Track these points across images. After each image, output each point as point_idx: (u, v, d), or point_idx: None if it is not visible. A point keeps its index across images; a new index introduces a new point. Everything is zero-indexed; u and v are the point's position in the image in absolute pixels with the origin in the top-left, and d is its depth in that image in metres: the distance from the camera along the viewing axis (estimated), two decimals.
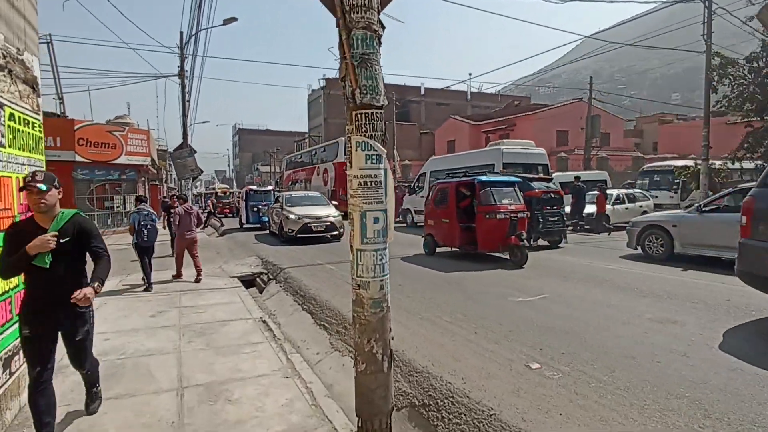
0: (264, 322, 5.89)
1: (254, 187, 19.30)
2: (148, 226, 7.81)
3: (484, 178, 8.31)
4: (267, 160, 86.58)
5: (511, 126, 37.46)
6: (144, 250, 7.88)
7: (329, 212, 13.90)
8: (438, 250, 9.90)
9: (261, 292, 8.88)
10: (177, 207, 9.08)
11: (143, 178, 24.49)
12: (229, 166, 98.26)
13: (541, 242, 10.94)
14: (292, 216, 13.46)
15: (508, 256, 8.45)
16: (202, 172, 17.91)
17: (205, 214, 28.24)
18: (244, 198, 18.76)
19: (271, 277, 9.07)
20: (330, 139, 34.52)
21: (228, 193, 30.96)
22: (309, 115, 55.09)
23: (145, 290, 7.79)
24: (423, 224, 17.27)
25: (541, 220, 10.40)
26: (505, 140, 13.36)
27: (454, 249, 9.58)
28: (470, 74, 67.83)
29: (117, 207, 19.47)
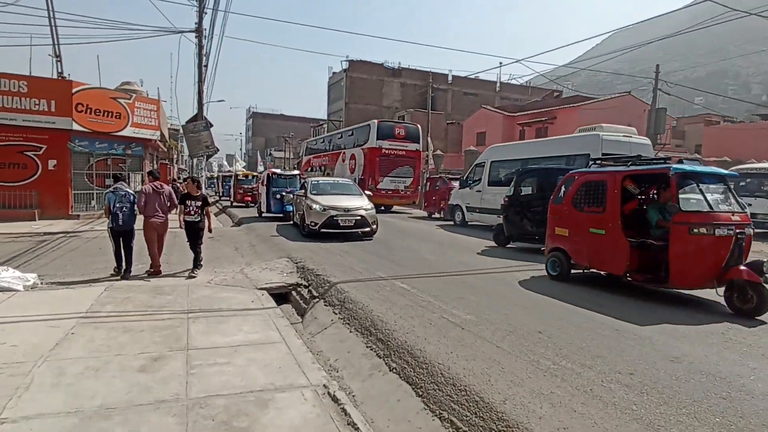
0: (335, 400, 3.33)
1: (278, 171, 16.74)
2: (124, 209, 7.05)
3: (684, 166, 5.36)
4: (281, 145, 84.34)
5: (551, 119, 34.51)
6: (120, 235, 7.08)
7: (361, 204, 11.45)
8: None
9: (301, 314, 6.33)
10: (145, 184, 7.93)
11: (152, 155, 22.06)
12: (241, 149, 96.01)
13: None
14: (316, 206, 11.00)
15: (723, 298, 5.28)
16: (217, 150, 15.36)
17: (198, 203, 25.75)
18: (265, 183, 16.22)
19: (315, 294, 6.50)
20: (351, 124, 31.78)
21: (251, 177, 24.81)
22: (329, 99, 52.34)
23: (122, 279, 7.00)
24: (479, 223, 14.78)
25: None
26: (603, 125, 10.73)
27: (591, 270, 6.74)
28: (501, 63, 64.41)
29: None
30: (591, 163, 7.48)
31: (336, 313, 5.51)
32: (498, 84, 54.23)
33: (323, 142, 29.56)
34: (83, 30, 48.46)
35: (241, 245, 10.70)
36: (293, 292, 7.12)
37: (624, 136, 10.41)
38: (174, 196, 7.83)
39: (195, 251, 7.80)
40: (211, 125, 15.02)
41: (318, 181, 12.90)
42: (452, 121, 46.50)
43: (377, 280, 6.72)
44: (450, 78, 51.00)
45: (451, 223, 15.68)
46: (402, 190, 21.13)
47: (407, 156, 21.24)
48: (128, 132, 16.73)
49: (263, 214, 16.83)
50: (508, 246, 10.38)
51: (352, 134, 23.85)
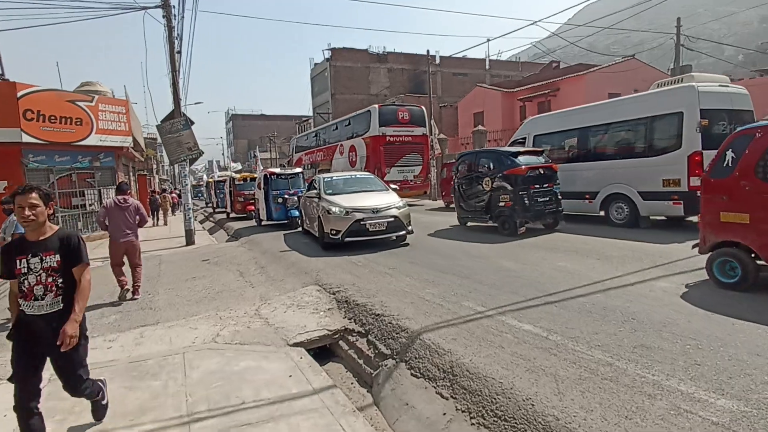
0: None
1: (277, 170, 14.26)
2: None
3: None
4: (265, 146, 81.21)
5: (554, 91, 32.40)
6: None
7: (391, 201, 8.97)
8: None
9: (368, 384, 4.03)
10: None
11: (126, 165, 19.37)
12: (223, 154, 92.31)
13: (530, 226, 9.34)
14: (335, 209, 8.65)
15: None
16: (202, 153, 12.85)
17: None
18: (262, 185, 13.76)
19: (385, 350, 4.17)
20: (339, 116, 29.23)
21: (250, 180, 18.74)
22: (313, 93, 49.45)
23: None
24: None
25: (527, 201, 8.85)
26: (693, 74, 8.50)
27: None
28: (488, 39, 62.18)
29: (90, 205, 14.46)
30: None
31: (446, 397, 3.19)
32: (487, 62, 51.97)
33: (315, 136, 26.87)
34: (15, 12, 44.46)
35: (247, 268, 8.30)
36: (342, 343, 4.80)
37: (721, 86, 8.22)
38: (143, 211, 6.80)
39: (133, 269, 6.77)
40: (192, 123, 12.48)
41: (332, 177, 10.35)
42: (444, 103, 44.16)
43: (476, 318, 4.38)
44: (438, 59, 48.51)
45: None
46: (411, 181, 18.76)
47: (414, 142, 18.97)
48: (93, 140, 14.12)
49: (263, 222, 14.38)
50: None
51: (349, 124, 21.25)
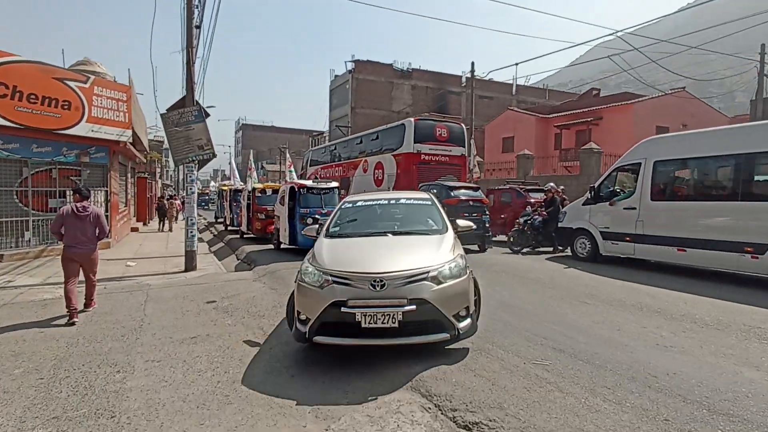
0: None
1: (308, 183, 11.50)
2: None
3: None
4: (273, 158, 78.96)
5: (597, 119, 29.92)
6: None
7: (428, 261, 4.21)
8: None
9: None
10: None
11: (124, 165, 16.66)
12: (230, 163, 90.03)
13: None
14: (310, 271, 4.32)
15: None
16: (215, 155, 10.14)
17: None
18: (287, 200, 10.99)
19: None
20: (358, 131, 26.59)
21: (272, 192, 15.17)
22: (331, 105, 47.21)
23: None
24: (612, 255, 9.30)
25: None
26: None
27: None
28: (516, 64, 60.13)
29: None
30: None
31: None
32: (514, 86, 49.94)
33: (334, 149, 24.17)
34: None
35: (274, 325, 5.42)
36: None
37: None
38: (104, 221, 5.99)
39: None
40: (207, 115, 9.82)
41: (355, 202, 6.05)
42: (468, 126, 41.80)
43: None
44: (464, 80, 46.45)
45: (565, 254, 10.65)
46: None
47: (451, 163, 16.82)
48: (83, 130, 11.47)
49: (282, 245, 11.55)
50: None
51: (377, 138, 18.95)
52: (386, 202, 5.99)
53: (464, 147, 17.71)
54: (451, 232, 5.02)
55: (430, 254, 4.36)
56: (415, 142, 16.21)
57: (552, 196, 11.96)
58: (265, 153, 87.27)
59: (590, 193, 9.91)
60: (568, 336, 4.69)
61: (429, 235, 4.99)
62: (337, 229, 5.38)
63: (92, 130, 11.65)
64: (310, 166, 26.82)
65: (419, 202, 5.92)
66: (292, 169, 13.64)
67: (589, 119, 30.08)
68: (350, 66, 42.07)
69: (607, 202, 9.48)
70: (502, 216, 14.58)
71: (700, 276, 8.01)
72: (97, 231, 5.89)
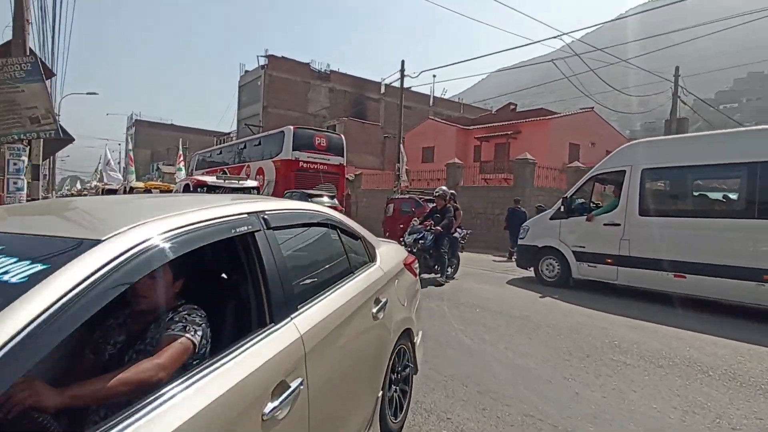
0: None
1: (209, 180, 8.37)
2: None
3: None
4: (171, 158, 71.20)
5: (515, 134, 30.12)
6: None
7: None
8: None
9: None
10: None
11: None
12: (119, 163, 79.33)
13: None
14: None
15: None
16: (59, 133, 6.92)
17: None
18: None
19: None
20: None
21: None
22: (240, 103, 42.93)
23: None
24: (588, 279, 7.71)
25: None
26: None
27: None
28: (434, 76, 60.24)
29: None
30: None
31: None
32: (432, 98, 49.96)
33: (219, 154, 24.31)
34: None
35: None
36: None
37: None
38: None
39: None
40: (52, 74, 6.61)
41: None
42: (388, 134, 40.66)
43: None
44: (383, 88, 45.27)
45: (527, 275, 9.02)
46: None
47: (329, 171, 17.50)
48: None
49: None
50: None
51: (260, 144, 19.31)
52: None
53: (343, 157, 18.29)
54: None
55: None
56: (293, 150, 16.56)
57: (444, 204, 8.56)
58: (163, 153, 78.93)
59: (562, 205, 8.34)
60: None
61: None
62: None
63: None
64: (196, 169, 25.95)
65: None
66: (182, 165, 11.18)
67: (509, 132, 30.20)
68: (263, 61, 38.61)
69: (583, 217, 7.96)
70: (401, 225, 13.41)
71: (711, 309, 6.65)
72: None
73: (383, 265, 2.64)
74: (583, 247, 7.93)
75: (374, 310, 2.25)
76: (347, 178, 26.06)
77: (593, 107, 31.85)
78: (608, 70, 18.00)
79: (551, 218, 8.57)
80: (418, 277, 3.21)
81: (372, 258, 2.63)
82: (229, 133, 47.74)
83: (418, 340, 3.00)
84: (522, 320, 5.49)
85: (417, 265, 3.24)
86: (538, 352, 4.16)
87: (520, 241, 9.28)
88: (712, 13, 34.08)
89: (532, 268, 8.95)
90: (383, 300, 2.38)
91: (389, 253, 2.91)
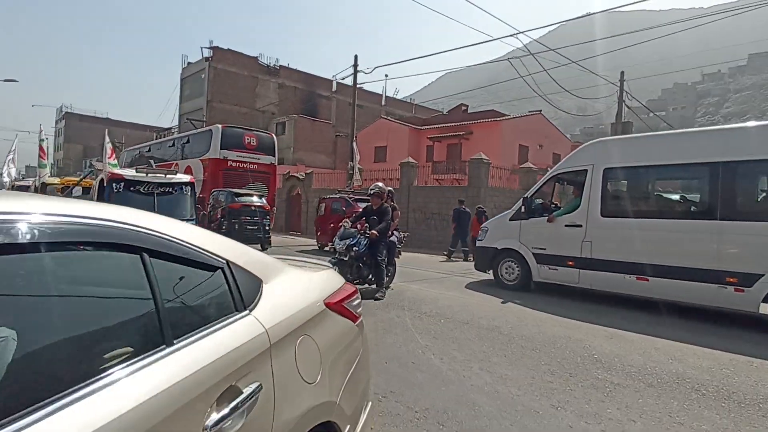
0: None
1: (129, 173, 7.19)
2: None
3: None
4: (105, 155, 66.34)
5: (467, 134, 30.31)
6: None
7: None
8: None
9: None
10: None
11: None
12: (48, 158, 73.07)
13: None
14: None
15: None
16: None
17: None
18: (95, 199, 6.96)
19: None
20: None
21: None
22: (182, 96, 40.37)
23: None
24: (549, 282, 7.44)
25: (237, 228, 12.24)
26: None
27: None
28: (386, 75, 59.97)
29: None
30: None
31: None
32: (384, 98, 49.61)
33: (150, 151, 23.42)
34: None
35: None
36: None
37: None
38: None
39: None
40: None
41: None
42: (340, 133, 39.91)
43: None
44: (335, 85, 44.39)
45: (486, 278, 8.68)
46: None
47: (260, 171, 17.40)
48: None
49: None
50: None
51: (188, 141, 18.98)
52: None
53: (274, 156, 18.09)
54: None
55: None
56: (221, 148, 16.40)
57: (381, 204, 7.35)
58: (96, 149, 73.33)
59: (522, 205, 8.04)
60: None
61: None
62: None
63: None
64: (129, 167, 23.75)
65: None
66: (114, 161, 9.62)
67: (461, 133, 30.34)
68: (207, 53, 36.59)
69: (544, 218, 7.69)
70: (331, 224, 13.27)
71: (679, 313, 6.52)
72: None
73: (270, 313, 1.50)
74: (544, 249, 7.66)
75: (213, 418, 1.11)
76: (297, 177, 25.11)
77: (541, 110, 32.73)
78: (555, 74, 18.34)
79: (511, 219, 8.26)
80: (359, 321, 2.07)
81: (247, 303, 1.47)
82: (170, 128, 45.04)
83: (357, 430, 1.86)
84: (492, 332, 5.02)
85: (357, 299, 2.11)
86: (518, 374, 3.67)
87: (478, 243, 8.92)
88: (643, 24, 36.18)
89: (491, 271, 8.62)
90: (247, 389, 1.25)
91: (296, 288, 1.76)
